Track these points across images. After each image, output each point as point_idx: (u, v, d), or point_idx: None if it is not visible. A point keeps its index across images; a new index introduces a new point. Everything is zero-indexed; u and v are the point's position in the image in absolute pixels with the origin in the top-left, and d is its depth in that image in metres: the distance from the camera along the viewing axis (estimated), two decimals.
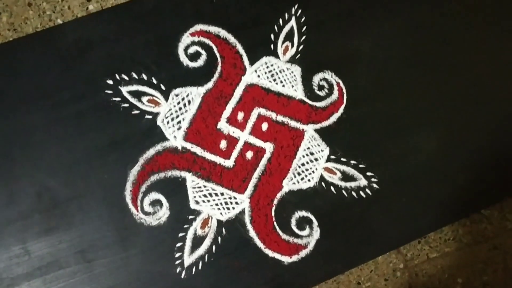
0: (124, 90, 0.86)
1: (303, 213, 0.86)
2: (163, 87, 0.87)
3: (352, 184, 0.88)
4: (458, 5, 0.96)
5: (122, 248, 0.82)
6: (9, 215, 0.81)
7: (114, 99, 0.86)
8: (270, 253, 0.84)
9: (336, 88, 0.91)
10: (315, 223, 0.86)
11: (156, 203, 0.84)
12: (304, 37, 0.92)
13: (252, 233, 0.85)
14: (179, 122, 0.87)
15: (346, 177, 0.88)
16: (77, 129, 0.85)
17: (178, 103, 0.87)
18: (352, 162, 0.88)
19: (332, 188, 0.87)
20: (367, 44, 0.92)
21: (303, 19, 0.92)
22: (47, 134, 0.84)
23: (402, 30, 0.94)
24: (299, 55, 0.91)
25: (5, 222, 0.81)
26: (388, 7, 0.94)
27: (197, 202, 0.85)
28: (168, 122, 0.87)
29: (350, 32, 0.93)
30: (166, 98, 0.87)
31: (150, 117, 0.86)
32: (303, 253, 0.85)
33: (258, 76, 0.90)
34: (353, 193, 0.87)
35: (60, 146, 0.84)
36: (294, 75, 0.90)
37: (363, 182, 0.88)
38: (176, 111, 0.87)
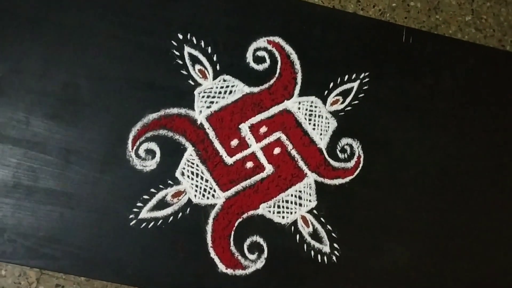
0: (187, 50, 0.93)
1: (261, 241, 0.88)
2: (218, 67, 0.93)
3: (316, 244, 0.90)
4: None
5: (100, 170, 0.87)
6: (34, 86, 0.88)
7: (174, 51, 0.92)
8: (212, 253, 0.87)
9: (355, 159, 0.94)
10: (265, 255, 0.88)
11: (150, 152, 0.88)
12: (356, 102, 0.96)
13: (209, 228, 0.88)
14: (212, 102, 0.92)
15: (315, 235, 0.90)
16: (131, 55, 0.91)
17: (222, 87, 0.93)
18: (329, 227, 0.90)
19: (297, 236, 0.89)
20: (404, 143, 0.96)
21: (365, 87, 0.96)
22: (106, 44, 0.91)
23: (437, 149, 0.97)
24: (343, 113, 0.95)
25: (27, 89, 0.88)
26: (438, 121, 0.98)
27: (182, 174, 0.89)
28: (203, 97, 0.92)
29: (396, 122, 0.97)
30: (215, 77, 0.93)
31: (192, 84, 0.92)
32: (238, 272, 0.87)
33: (299, 108, 0.94)
34: (312, 252, 0.89)
35: (109, 58, 0.91)
36: (328, 127, 0.94)
37: (326, 248, 0.90)
38: (215, 92, 0.92)
